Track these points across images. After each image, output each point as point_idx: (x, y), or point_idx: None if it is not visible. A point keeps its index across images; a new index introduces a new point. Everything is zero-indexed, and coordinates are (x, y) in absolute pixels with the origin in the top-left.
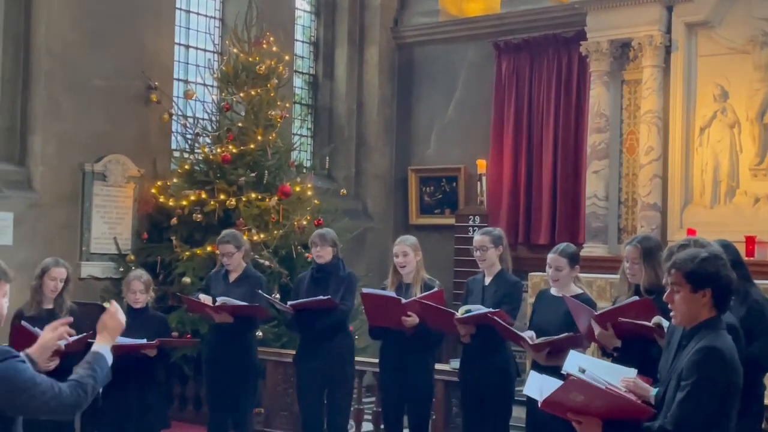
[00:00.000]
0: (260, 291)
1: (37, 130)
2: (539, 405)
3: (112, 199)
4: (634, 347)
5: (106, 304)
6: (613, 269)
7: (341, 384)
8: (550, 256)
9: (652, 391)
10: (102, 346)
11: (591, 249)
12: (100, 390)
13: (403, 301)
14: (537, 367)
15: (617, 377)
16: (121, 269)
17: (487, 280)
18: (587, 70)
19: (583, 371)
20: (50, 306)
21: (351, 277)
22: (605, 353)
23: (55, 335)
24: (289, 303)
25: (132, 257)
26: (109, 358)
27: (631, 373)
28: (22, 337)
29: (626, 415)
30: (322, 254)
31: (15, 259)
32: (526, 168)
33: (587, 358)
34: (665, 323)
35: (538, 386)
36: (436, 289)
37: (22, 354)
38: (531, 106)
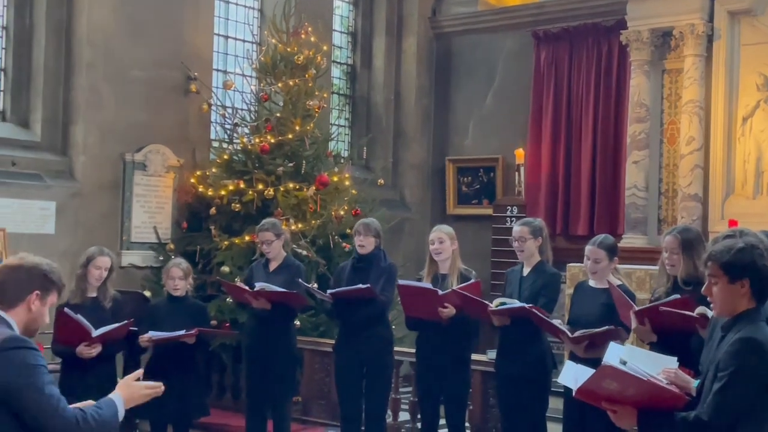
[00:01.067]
0: (300, 280)
1: (79, 121)
2: (573, 394)
3: (152, 189)
4: (672, 341)
5: (146, 293)
6: (652, 260)
7: (380, 373)
8: (588, 248)
9: (693, 383)
10: (117, 396)
11: (630, 240)
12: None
13: (440, 292)
14: (575, 359)
15: (659, 367)
16: (161, 258)
17: (526, 271)
18: (627, 59)
19: (624, 363)
20: (94, 294)
21: (392, 268)
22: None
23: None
24: (328, 291)
25: (172, 246)
26: (121, 410)
27: (673, 362)
28: (65, 324)
29: (661, 403)
30: (365, 244)
31: (57, 248)
32: (564, 158)
33: (628, 348)
34: (710, 313)
35: (573, 375)
36: (473, 280)
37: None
38: (570, 95)
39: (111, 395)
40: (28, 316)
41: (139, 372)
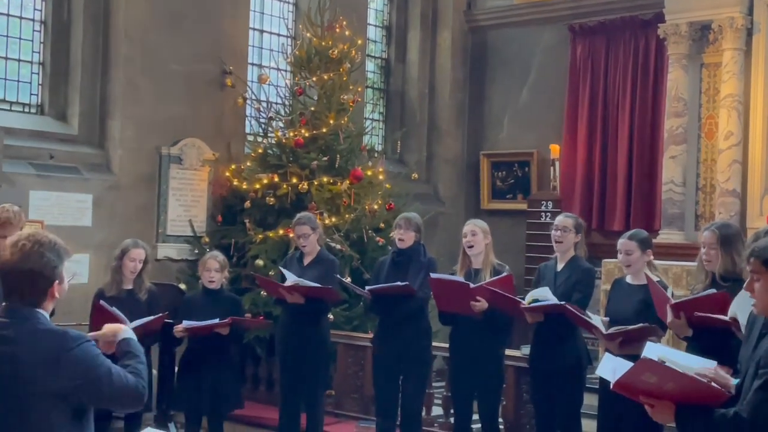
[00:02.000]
0: (337, 275)
1: (116, 114)
2: (611, 386)
3: (188, 182)
4: (709, 337)
5: (181, 286)
6: (689, 256)
7: (417, 368)
8: (620, 241)
9: (733, 381)
10: (120, 333)
11: (667, 236)
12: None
13: (472, 285)
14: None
15: (699, 366)
16: (196, 251)
17: (560, 266)
18: (665, 53)
19: (662, 362)
20: (130, 286)
21: (431, 263)
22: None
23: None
24: (367, 288)
25: (206, 239)
26: (134, 337)
27: (711, 365)
28: (101, 316)
29: (700, 398)
30: (404, 238)
31: (93, 240)
32: (600, 153)
33: (667, 349)
34: (741, 317)
35: (611, 367)
36: (505, 274)
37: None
38: (606, 89)
39: (121, 335)
40: (53, 302)
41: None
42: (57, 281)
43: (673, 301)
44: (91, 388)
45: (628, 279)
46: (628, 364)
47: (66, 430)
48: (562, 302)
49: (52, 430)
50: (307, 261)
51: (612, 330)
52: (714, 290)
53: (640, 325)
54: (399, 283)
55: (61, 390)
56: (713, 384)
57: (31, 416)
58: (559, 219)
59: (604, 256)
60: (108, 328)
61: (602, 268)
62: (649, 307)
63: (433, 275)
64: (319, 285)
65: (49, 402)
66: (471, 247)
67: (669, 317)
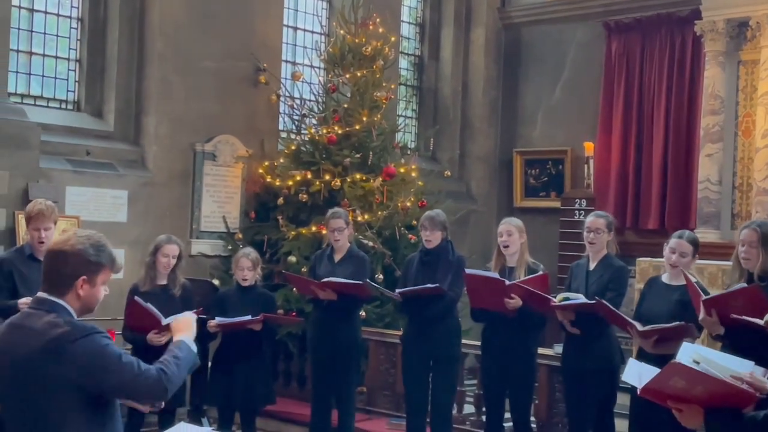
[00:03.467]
0: (367, 279)
1: (151, 111)
2: (638, 392)
3: (222, 179)
4: (744, 335)
5: (215, 281)
6: (725, 255)
7: (447, 366)
8: (675, 241)
9: None
10: (184, 335)
11: (703, 234)
12: (209, 364)
13: (507, 282)
14: (643, 356)
15: (735, 367)
16: (230, 247)
17: (592, 265)
18: (701, 50)
19: (697, 363)
20: (164, 282)
21: (460, 261)
22: (714, 339)
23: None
24: (397, 291)
25: (240, 236)
26: (193, 346)
27: (749, 365)
28: (135, 312)
29: (729, 401)
30: (431, 239)
31: (129, 236)
32: (635, 151)
33: (702, 349)
34: None
35: (637, 373)
36: (540, 272)
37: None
38: (642, 87)
39: (180, 338)
40: (79, 300)
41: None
42: (84, 277)
43: (703, 297)
44: (98, 377)
45: (664, 278)
46: (653, 370)
47: (81, 421)
48: (602, 294)
49: (66, 421)
50: (337, 258)
51: (647, 328)
52: (744, 284)
53: (676, 323)
54: (429, 285)
55: (67, 380)
56: (745, 386)
57: (43, 406)
58: (591, 220)
59: (639, 254)
60: (183, 321)
61: (636, 267)
62: (686, 307)
63: (468, 270)
64: (351, 281)
65: (65, 393)
66: (507, 246)
67: (701, 315)
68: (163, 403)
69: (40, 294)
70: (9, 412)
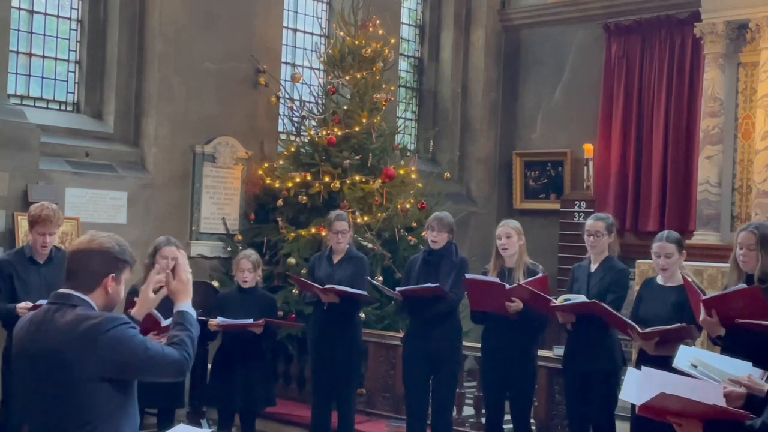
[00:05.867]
0: (367, 277)
1: (151, 112)
2: (636, 411)
3: (221, 180)
4: (744, 337)
5: (214, 283)
6: (724, 258)
7: (447, 369)
8: (657, 245)
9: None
10: (183, 305)
11: (702, 237)
12: (209, 365)
13: (507, 286)
14: (644, 358)
15: (732, 371)
16: (229, 249)
17: (593, 267)
18: (701, 52)
19: (694, 367)
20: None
21: (463, 263)
22: (714, 341)
23: (149, 290)
24: (397, 289)
25: (239, 237)
26: (193, 313)
27: (747, 366)
28: None
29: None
30: (438, 240)
31: (128, 237)
32: (635, 153)
33: (700, 351)
34: None
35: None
36: (540, 274)
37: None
38: (641, 89)
39: (179, 307)
40: (106, 297)
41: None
42: (113, 274)
43: (703, 297)
44: (128, 366)
45: (659, 280)
46: (651, 386)
47: (108, 410)
48: (602, 296)
49: (95, 411)
50: (336, 259)
51: (648, 330)
52: (744, 285)
53: (677, 325)
54: (430, 284)
55: (101, 371)
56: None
57: (74, 398)
58: (591, 223)
59: (638, 257)
60: (180, 283)
61: (636, 269)
62: (683, 309)
63: (468, 275)
64: (354, 290)
65: (92, 385)
66: (506, 249)
67: (701, 315)
68: None
69: (64, 290)
70: (33, 405)
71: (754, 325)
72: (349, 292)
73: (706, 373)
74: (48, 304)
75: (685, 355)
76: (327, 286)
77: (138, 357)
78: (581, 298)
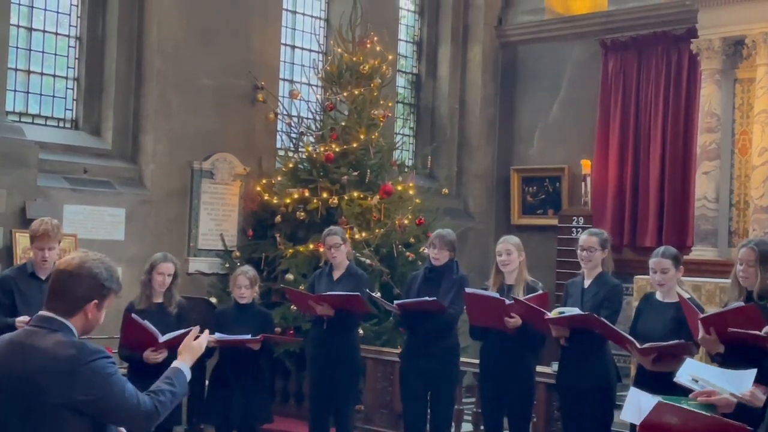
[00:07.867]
0: (365, 289)
1: (149, 129)
2: (637, 430)
3: (219, 197)
4: (742, 354)
5: (212, 299)
6: (722, 273)
7: (446, 385)
8: (654, 260)
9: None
10: (182, 364)
11: (700, 252)
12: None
13: (507, 302)
14: (642, 374)
15: (735, 383)
16: (227, 265)
17: (587, 283)
18: (698, 68)
19: (696, 381)
20: (160, 300)
21: (463, 279)
22: (713, 358)
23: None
24: (395, 302)
25: (238, 253)
26: (188, 375)
27: (749, 376)
28: (132, 329)
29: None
30: (439, 257)
31: (126, 254)
32: (632, 168)
33: (702, 366)
34: None
35: (636, 408)
36: (540, 291)
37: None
38: (638, 105)
39: (176, 363)
40: (86, 322)
41: (195, 329)
42: (96, 301)
43: (701, 315)
44: (102, 403)
45: (658, 296)
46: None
47: None
48: (587, 312)
49: None
50: (336, 275)
51: (647, 345)
52: (741, 303)
53: (676, 341)
54: (427, 298)
55: (75, 403)
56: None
57: (44, 427)
58: (584, 238)
59: (636, 272)
60: (191, 346)
61: (634, 284)
62: (682, 325)
63: (468, 290)
64: (345, 293)
65: (64, 413)
66: (506, 265)
67: (700, 333)
68: None
69: (45, 312)
70: (2, 428)
71: (747, 335)
72: (342, 297)
73: (706, 387)
74: (30, 325)
75: (688, 370)
76: (320, 294)
77: (114, 396)
78: (575, 311)
